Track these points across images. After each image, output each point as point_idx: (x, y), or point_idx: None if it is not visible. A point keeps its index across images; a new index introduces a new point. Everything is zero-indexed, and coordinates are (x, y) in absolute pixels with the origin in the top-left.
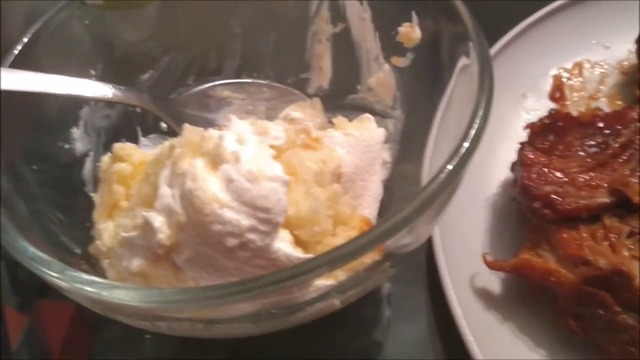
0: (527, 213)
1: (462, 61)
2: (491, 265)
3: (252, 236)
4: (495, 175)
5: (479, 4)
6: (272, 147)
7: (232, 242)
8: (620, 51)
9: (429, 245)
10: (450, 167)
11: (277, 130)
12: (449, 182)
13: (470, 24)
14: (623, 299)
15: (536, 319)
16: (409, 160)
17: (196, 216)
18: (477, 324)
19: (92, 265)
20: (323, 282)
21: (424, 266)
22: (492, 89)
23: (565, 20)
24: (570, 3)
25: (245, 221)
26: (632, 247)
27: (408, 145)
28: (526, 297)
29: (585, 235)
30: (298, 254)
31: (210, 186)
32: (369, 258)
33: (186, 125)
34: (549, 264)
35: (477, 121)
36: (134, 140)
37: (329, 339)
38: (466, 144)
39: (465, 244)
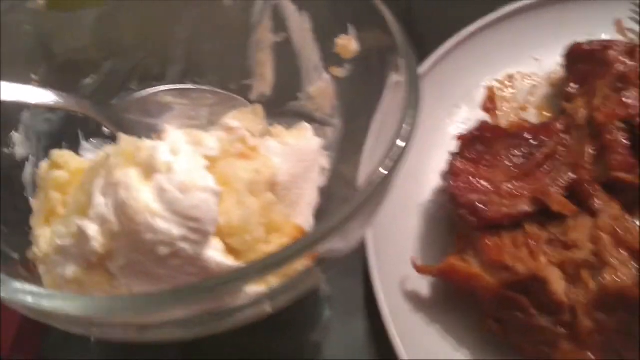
0: (455, 219)
1: (393, 73)
2: (420, 270)
3: (183, 245)
4: (428, 183)
5: (421, 14)
6: (206, 157)
7: (163, 250)
8: (550, 64)
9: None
10: (377, 175)
11: (211, 140)
12: (376, 191)
13: (399, 40)
14: (539, 302)
15: (461, 320)
16: (347, 166)
17: (129, 225)
18: (405, 325)
19: (30, 270)
20: (254, 288)
21: (361, 270)
22: (418, 103)
23: (499, 34)
24: (503, 17)
25: (176, 230)
26: (550, 253)
27: (346, 151)
28: (452, 300)
29: (507, 241)
30: (229, 262)
31: (143, 196)
32: (301, 264)
33: (121, 135)
34: (473, 269)
35: (402, 135)
36: (76, 144)
37: (269, 340)
38: (391, 155)
39: (397, 249)
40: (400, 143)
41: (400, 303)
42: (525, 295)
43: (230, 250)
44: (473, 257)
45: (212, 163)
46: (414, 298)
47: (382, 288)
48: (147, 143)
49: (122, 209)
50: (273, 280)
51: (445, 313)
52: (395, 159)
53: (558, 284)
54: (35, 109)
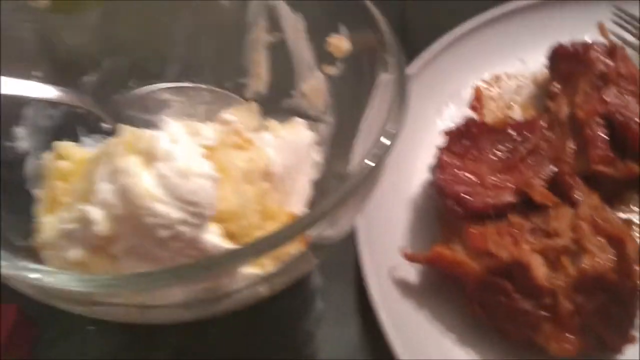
0: (442, 210)
1: (383, 72)
2: (408, 258)
3: (182, 228)
4: (417, 177)
5: (414, 15)
6: (203, 146)
7: (164, 233)
8: (535, 65)
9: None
10: (365, 165)
11: (209, 131)
12: (364, 179)
13: (388, 39)
14: (521, 287)
15: (447, 306)
16: (339, 161)
17: (131, 209)
18: (395, 310)
19: (33, 257)
20: (250, 270)
21: (352, 262)
22: (406, 99)
23: (486, 36)
24: (490, 20)
25: (176, 214)
26: (532, 241)
27: (338, 147)
28: (439, 286)
29: (491, 230)
30: (226, 244)
31: (144, 182)
32: (294, 249)
33: (122, 126)
34: (459, 256)
35: (390, 128)
36: (76, 139)
37: (263, 331)
38: (379, 146)
39: (387, 239)
40: (386, 136)
41: (390, 290)
42: (508, 280)
43: (228, 234)
44: (458, 245)
45: (210, 152)
46: (403, 285)
47: (373, 276)
48: (147, 132)
49: (124, 194)
50: (268, 264)
51: (432, 299)
52: (382, 150)
53: (539, 269)
54: (37, 104)
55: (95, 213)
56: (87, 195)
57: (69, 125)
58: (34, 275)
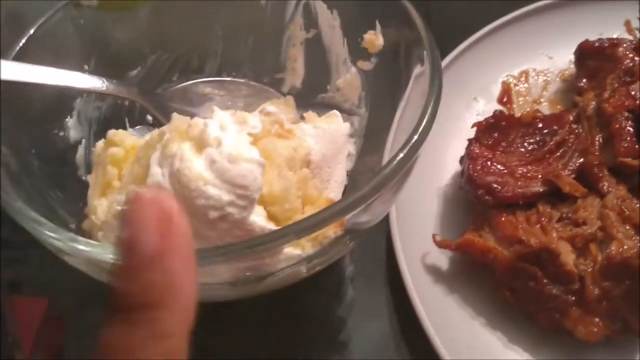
0: (472, 200)
1: (417, 67)
2: (439, 244)
3: (231, 210)
4: (448, 168)
5: (440, 14)
6: (249, 134)
7: (213, 214)
8: (563, 61)
9: (388, 228)
10: (400, 155)
11: (255, 120)
12: (399, 169)
13: (424, 35)
14: (550, 273)
15: (477, 291)
16: (372, 153)
17: (183, 191)
18: (427, 295)
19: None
20: (291, 250)
21: (385, 248)
22: (440, 93)
23: (514, 33)
24: (518, 17)
25: (225, 196)
26: (560, 229)
27: (371, 139)
28: (469, 272)
29: (520, 219)
30: (270, 226)
31: (196, 166)
32: (331, 231)
33: (175, 114)
34: (489, 243)
35: (425, 119)
36: (123, 129)
37: (295, 318)
38: (415, 137)
39: (419, 227)
40: (420, 129)
41: (422, 276)
42: (537, 266)
43: (271, 217)
44: (489, 233)
45: (255, 140)
46: (434, 271)
47: (405, 262)
48: (198, 120)
49: (177, 177)
50: (308, 245)
51: (463, 284)
52: (416, 143)
53: (568, 255)
54: (87, 96)
55: None
56: (140, 178)
57: (115, 116)
58: (89, 249)
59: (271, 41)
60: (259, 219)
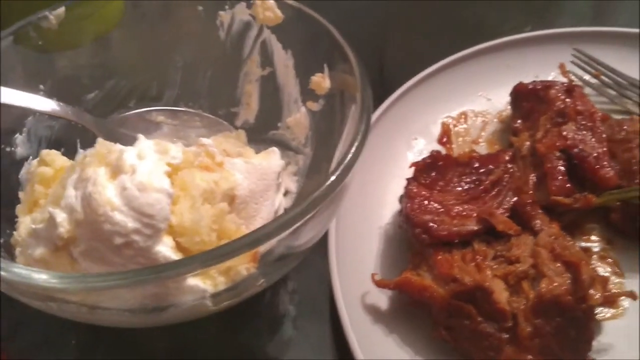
0: (410, 238)
1: (353, 107)
2: (378, 284)
3: (136, 237)
4: (388, 207)
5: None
6: (169, 164)
7: (118, 240)
8: (500, 103)
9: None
10: (313, 196)
11: (176, 151)
12: (311, 207)
13: (359, 78)
14: (484, 310)
15: (417, 330)
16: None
17: (91, 215)
18: (366, 335)
19: (11, 254)
20: (198, 282)
21: (325, 290)
22: (366, 128)
23: (454, 75)
24: (457, 60)
25: (131, 224)
26: (495, 267)
27: (312, 178)
28: (408, 311)
29: (456, 257)
30: (175, 256)
31: (107, 191)
32: (244, 267)
33: (99, 139)
34: (425, 281)
35: (347, 158)
36: (74, 150)
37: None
38: (329, 181)
39: (359, 266)
40: (344, 160)
41: (361, 315)
42: (471, 304)
43: (181, 248)
44: (426, 271)
45: (175, 170)
46: (374, 311)
47: (344, 302)
48: (117, 147)
49: (87, 200)
50: (220, 280)
51: (402, 323)
52: (333, 183)
53: (501, 293)
54: (39, 115)
55: (60, 216)
56: (58, 199)
57: (67, 136)
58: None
59: (228, 75)
60: (164, 248)
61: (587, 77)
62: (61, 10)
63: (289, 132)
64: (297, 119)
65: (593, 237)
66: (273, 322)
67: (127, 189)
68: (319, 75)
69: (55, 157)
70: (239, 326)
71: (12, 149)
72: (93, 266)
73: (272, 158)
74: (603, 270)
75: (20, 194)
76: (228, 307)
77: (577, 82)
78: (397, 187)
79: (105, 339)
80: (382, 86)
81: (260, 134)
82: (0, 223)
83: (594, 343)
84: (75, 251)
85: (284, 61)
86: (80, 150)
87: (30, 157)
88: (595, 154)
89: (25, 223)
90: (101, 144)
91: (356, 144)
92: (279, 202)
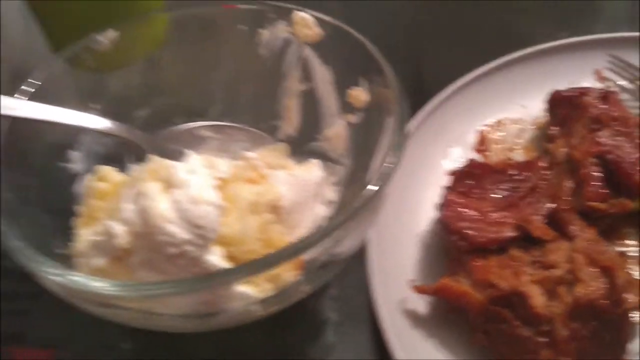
0: (447, 245)
1: (389, 118)
2: (416, 290)
3: (188, 247)
4: (425, 215)
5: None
6: (217, 178)
7: (172, 250)
8: (536, 110)
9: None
10: (353, 206)
11: (224, 165)
12: (352, 216)
13: (396, 92)
14: (521, 315)
15: (455, 335)
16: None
17: (147, 228)
18: (405, 340)
19: (68, 264)
20: (246, 290)
21: (366, 295)
22: (403, 139)
23: (489, 84)
24: (493, 69)
25: (183, 235)
26: (531, 272)
27: (351, 187)
28: (446, 316)
29: (493, 263)
30: (224, 265)
31: (161, 205)
32: (289, 275)
33: (151, 156)
34: (463, 287)
35: (385, 168)
36: (123, 165)
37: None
38: (368, 191)
39: (397, 274)
40: (380, 172)
41: (400, 320)
42: (508, 309)
43: (230, 257)
44: (464, 277)
45: (223, 184)
46: (413, 316)
47: (384, 308)
48: (169, 163)
49: (143, 214)
50: (267, 287)
51: (440, 328)
52: (372, 193)
53: (537, 298)
54: (93, 133)
55: (118, 228)
56: (114, 213)
57: (118, 153)
58: (59, 277)
59: (270, 90)
60: (214, 257)
61: (623, 82)
62: (113, 33)
63: (328, 144)
64: (336, 131)
65: (628, 242)
66: (315, 327)
67: (179, 202)
68: (356, 89)
69: (110, 173)
70: (284, 331)
71: (66, 164)
72: (149, 275)
73: (313, 170)
74: (639, 274)
75: (78, 208)
76: (274, 313)
77: (613, 88)
78: (434, 194)
79: (157, 342)
80: (420, 93)
81: (301, 146)
82: (57, 235)
83: (629, 346)
84: (132, 261)
85: (322, 76)
86: (130, 166)
87: (85, 173)
88: (630, 160)
89: (84, 235)
90: (153, 160)
91: (394, 154)
92: (321, 212)
